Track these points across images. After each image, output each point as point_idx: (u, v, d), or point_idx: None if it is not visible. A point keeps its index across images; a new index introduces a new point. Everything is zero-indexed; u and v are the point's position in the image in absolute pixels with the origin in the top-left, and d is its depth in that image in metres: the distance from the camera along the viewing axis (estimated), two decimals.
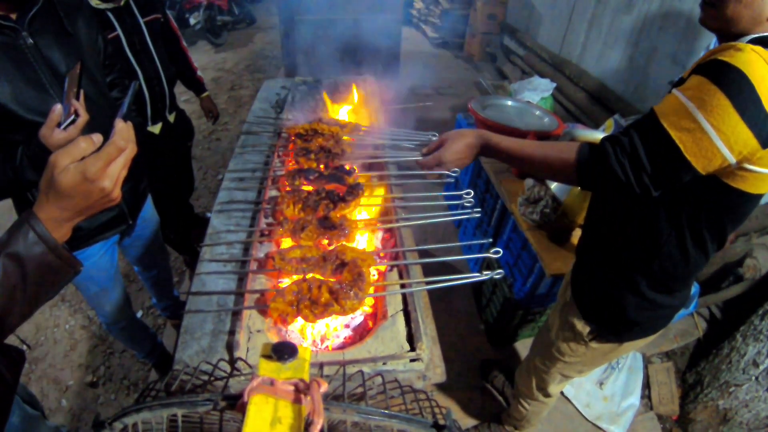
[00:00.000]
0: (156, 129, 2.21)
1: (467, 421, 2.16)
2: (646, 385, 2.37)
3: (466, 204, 1.40)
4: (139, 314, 2.71)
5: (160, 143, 2.24)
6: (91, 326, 2.63)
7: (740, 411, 2.08)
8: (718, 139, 0.83)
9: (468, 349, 2.46)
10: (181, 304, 2.42)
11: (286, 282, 1.32)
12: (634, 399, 2.28)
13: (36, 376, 2.38)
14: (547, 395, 1.71)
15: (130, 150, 0.70)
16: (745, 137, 0.82)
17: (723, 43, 0.97)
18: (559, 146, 1.06)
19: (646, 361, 2.44)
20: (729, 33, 0.95)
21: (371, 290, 1.24)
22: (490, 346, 2.50)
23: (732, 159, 0.85)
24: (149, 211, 1.89)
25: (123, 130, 0.69)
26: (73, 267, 0.71)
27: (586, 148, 1.00)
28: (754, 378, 2.06)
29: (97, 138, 0.68)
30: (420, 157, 1.28)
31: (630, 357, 2.39)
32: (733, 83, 0.81)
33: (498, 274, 1.15)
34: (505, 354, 2.49)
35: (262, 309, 1.21)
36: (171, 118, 2.31)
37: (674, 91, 0.90)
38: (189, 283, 2.88)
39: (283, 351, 0.65)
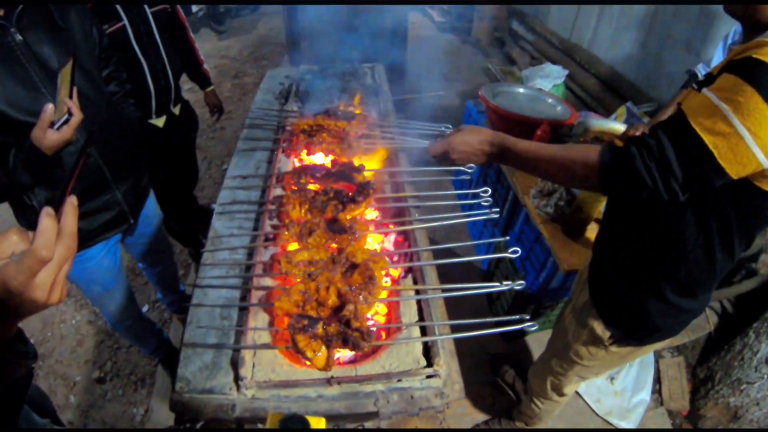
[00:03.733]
0: (160, 122, 2.14)
1: (478, 416, 2.15)
2: (657, 380, 2.35)
3: (483, 203, 1.34)
4: (145, 308, 2.69)
5: (163, 136, 2.18)
6: (97, 321, 2.62)
7: (751, 409, 2.06)
8: (755, 144, 0.78)
9: (478, 343, 2.42)
10: (188, 298, 2.39)
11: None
12: (645, 394, 2.26)
13: (43, 372, 2.37)
14: (561, 395, 1.69)
15: (65, 250, 0.56)
16: None
17: (749, 33, 0.91)
18: (579, 148, 1.01)
19: (657, 356, 2.41)
20: (755, 20, 0.88)
21: (384, 294, 1.20)
22: (500, 340, 2.47)
23: None
24: (151, 208, 1.84)
25: (46, 232, 0.53)
26: (18, 367, 0.60)
27: (609, 151, 0.93)
28: (766, 376, 2.03)
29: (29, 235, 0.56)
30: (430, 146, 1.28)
31: (643, 355, 2.36)
32: None
33: (519, 285, 1.10)
34: (516, 348, 2.46)
35: (270, 330, 1.17)
36: (176, 110, 2.24)
37: (705, 91, 0.83)
38: (195, 276, 2.85)
39: (293, 429, 0.56)
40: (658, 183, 0.86)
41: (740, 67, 0.79)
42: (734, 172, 0.81)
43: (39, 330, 2.58)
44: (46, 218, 0.54)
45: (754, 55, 0.77)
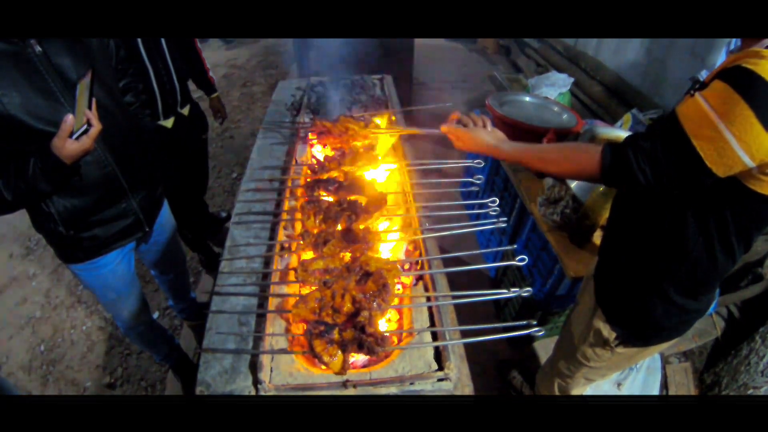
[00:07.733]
0: (168, 123, 2.20)
1: None
2: (664, 385, 2.35)
3: (491, 213, 1.37)
4: (156, 315, 2.71)
5: (173, 136, 2.25)
6: (107, 327, 2.65)
7: None
8: (740, 148, 0.83)
9: (486, 350, 2.44)
10: (198, 305, 2.43)
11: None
12: None
13: (54, 377, 2.40)
14: None
15: None
16: None
17: (747, 43, 0.94)
18: (582, 147, 1.09)
19: (664, 362, 2.42)
20: None
21: (396, 301, 1.23)
22: (507, 347, 2.49)
23: (752, 165, 0.86)
24: (166, 217, 1.87)
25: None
26: None
27: (608, 153, 1.01)
28: None
29: None
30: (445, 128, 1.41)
31: (648, 357, 2.36)
32: (757, 93, 0.80)
33: (526, 292, 1.14)
34: (523, 355, 2.47)
35: (287, 336, 1.20)
36: (184, 111, 2.32)
37: (697, 96, 0.89)
38: (205, 282, 2.88)
39: None
40: (651, 182, 0.93)
41: (730, 75, 0.85)
42: (721, 171, 0.87)
43: (50, 335, 2.61)
44: None
45: (744, 65, 0.83)
